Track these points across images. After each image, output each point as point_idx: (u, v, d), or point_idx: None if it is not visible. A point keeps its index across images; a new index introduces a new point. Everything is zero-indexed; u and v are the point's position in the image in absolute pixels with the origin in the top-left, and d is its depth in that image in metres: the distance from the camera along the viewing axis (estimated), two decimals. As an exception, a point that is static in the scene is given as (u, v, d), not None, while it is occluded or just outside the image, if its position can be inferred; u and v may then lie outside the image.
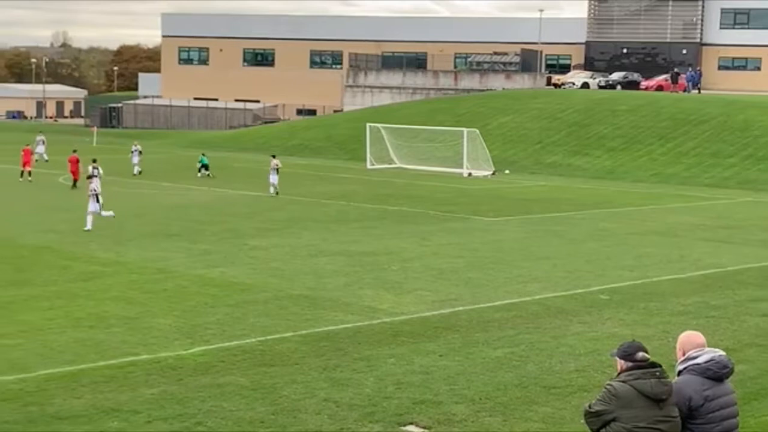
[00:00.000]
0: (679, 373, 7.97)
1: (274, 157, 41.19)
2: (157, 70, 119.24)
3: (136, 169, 48.81)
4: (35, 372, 13.54)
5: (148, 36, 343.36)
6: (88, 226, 27.99)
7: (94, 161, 36.38)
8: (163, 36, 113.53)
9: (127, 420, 11.71)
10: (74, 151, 43.78)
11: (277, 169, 39.57)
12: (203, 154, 50.68)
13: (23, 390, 12.75)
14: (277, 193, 39.07)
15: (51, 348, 14.92)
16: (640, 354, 7.70)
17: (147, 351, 14.77)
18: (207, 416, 11.85)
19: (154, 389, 12.86)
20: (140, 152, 49.97)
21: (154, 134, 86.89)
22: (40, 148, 57.05)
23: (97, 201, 28.62)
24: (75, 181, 41.51)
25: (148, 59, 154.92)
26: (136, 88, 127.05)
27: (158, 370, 13.77)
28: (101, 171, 35.24)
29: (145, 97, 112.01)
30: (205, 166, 48.64)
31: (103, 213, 28.84)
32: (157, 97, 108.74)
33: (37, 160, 54.26)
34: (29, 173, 44.95)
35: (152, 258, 23.50)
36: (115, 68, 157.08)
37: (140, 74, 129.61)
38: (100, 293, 19.13)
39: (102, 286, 19.95)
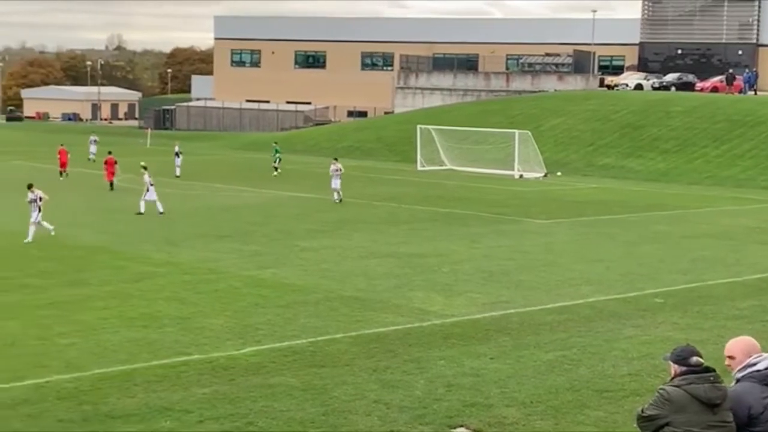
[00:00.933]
0: (738, 380, 7.82)
1: (336, 160, 39.02)
2: (210, 73, 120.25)
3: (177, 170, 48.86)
4: (90, 371, 13.71)
5: (201, 38, 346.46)
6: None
7: (144, 168, 34.40)
8: (216, 38, 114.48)
9: (179, 419, 11.81)
10: (109, 152, 43.98)
11: (340, 174, 37.49)
12: (275, 144, 52.70)
13: (78, 389, 12.92)
14: (340, 200, 37.05)
15: (105, 347, 15.11)
16: (694, 358, 7.60)
17: (199, 351, 14.89)
18: (258, 416, 11.91)
19: (206, 389, 12.96)
20: (178, 154, 49.83)
21: (206, 136, 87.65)
22: (93, 148, 58.17)
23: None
24: (110, 183, 41.65)
25: (201, 61, 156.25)
26: (189, 91, 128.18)
27: (210, 369, 13.87)
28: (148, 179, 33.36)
29: (198, 99, 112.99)
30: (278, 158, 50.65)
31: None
32: (210, 99, 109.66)
33: (89, 159, 55.26)
34: (66, 173, 46.88)
35: (204, 258, 23.70)
36: (169, 70, 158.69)
37: (193, 76, 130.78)
38: (153, 293, 19.33)
39: (155, 286, 20.16)
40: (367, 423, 11.76)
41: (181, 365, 14.06)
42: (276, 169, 50.45)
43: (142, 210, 32.33)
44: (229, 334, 15.99)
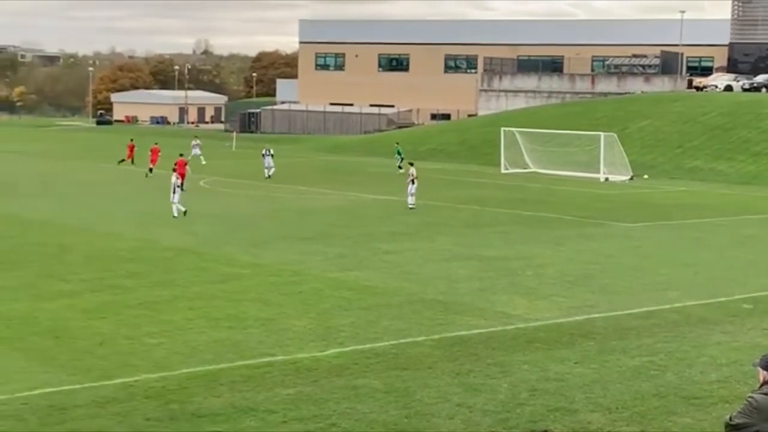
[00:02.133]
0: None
1: (411, 164, 37.74)
2: (295, 76, 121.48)
3: (266, 172, 48.96)
4: (177, 370, 13.95)
5: (286, 42, 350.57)
6: None
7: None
8: (301, 42, 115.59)
9: (263, 419, 11.94)
10: (181, 155, 44.03)
11: (414, 180, 36.03)
12: (397, 144, 55.62)
13: (165, 388, 13.16)
14: (411, 208, 35.59)
15: (192, 347, 15.36)
16: (785, 366, 7.44)
17: (283, 352, 15.04)
18: (341, 418, 11.98)
19: (290, 389, 13.08)
20: (272, 155, 50.17)
21: (290, 139, 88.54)
22: (196, 151, 58.74)
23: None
24: (183, 182, 41.49)
25: (285, 65, 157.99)
26: (274, 94, 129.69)
27: (294, 371, 14.00)
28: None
29: (283, 102, 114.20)
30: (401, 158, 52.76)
31: None
32: (294, 102, 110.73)
33: (202, 164, 55.92)
34: (150, 170, 48.83)
35: (288, 261, 23.92)
36: (254, 74, 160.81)
37: (278, 80, 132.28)
38: (238, 294, 19.59)
39: (240, 287, 20.42)
40: (449, 426, 11.75)
41: (265, 366, 14.22)
42: (400, 168, 52.39)
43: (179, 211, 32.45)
44: (313, 336, 16.12)
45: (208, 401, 12.61)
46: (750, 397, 7.44)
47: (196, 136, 66.44)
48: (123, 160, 54.24)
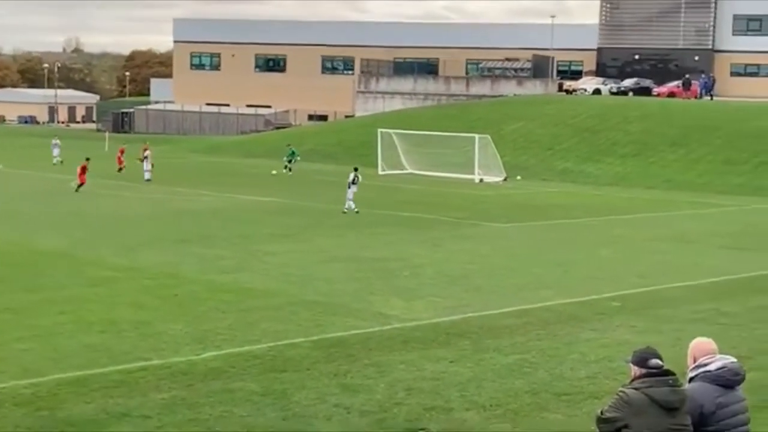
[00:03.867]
0: (691, 380, 7.97)
1: (355, 170, 36.85)
2: (169, 76, 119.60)
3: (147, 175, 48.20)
4: (47, 376, 13.56)
5: (161, 41, 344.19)
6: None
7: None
8: (175, 41, 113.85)
9: (137, 425, 11.72)
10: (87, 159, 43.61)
11: (354, 182, 35.68)
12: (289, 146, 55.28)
13: (35, 395, 12.77)
14: (357, 212, 35.02)
15: (62, 352, 14.95)
16: (654, 361, 7.67)
17: (158, 356, 14.79)
18: (217, 422, 11.85)
19: (164, 394, 12.87)
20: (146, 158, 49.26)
21: (165, 139, 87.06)
22: (56, 151, 57.69)
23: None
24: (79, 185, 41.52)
25: (160, 64, 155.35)
26: (148, 93, 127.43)
27: (169, 375, 13.78)
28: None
29: (157, 102, 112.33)
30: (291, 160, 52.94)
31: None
32: (169, 102, 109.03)
33: (54, 164, 54.79)
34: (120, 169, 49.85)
35: (164, 263, 23.54)
36: (127, 73, 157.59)
37: (152, 79, 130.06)
38: (111, 298, 19.16)
39: (113, 291, 19.98)
40: (327, 427, 11.75)
41: (139, 371, 13.95)
42: (289, 169, 53.23)
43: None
44: (189, 339, 15.89)
45: (80, 407, 12.30)
46: (621, 391, 7.64)
47: (56, 136, 65.10)
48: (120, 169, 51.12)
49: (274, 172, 52.44)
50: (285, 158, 55.44)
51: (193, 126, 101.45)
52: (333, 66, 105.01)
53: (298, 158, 55.54)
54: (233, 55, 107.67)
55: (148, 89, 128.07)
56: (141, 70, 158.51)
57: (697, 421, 7.70)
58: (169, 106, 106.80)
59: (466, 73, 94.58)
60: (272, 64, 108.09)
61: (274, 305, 18.80)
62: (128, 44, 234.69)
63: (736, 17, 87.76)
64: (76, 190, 40.91)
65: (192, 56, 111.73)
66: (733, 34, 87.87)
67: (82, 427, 11.63)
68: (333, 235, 29.48)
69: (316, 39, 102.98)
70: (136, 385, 13.28)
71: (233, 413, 12.15)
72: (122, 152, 52.99)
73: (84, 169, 42.12)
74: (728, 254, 27.44)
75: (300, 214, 35.00)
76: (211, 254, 25.12)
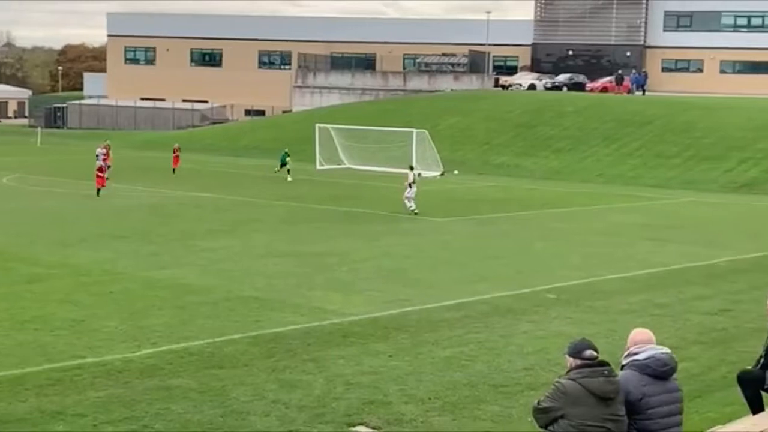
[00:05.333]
0: (622, 367, 8.14)
1: (411, 168, 35.84)
2: (103, 70, 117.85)
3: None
4: (-21, 376, 13.33)
5: (94, 35, 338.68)
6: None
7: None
8: (109, 35, 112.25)
9: (72, 424, 11.58)
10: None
11: (411, 184, 34.35)
12: (285, 151, 51.35)
13: (-33, 394, 12.55)
14: (416, 213, 33.82)
15: (-5, 352, 14.70)
16: (588, 352, 7.80)
17: (93, 354, 14.62)
18: (154, 419, 11.76)
19: (100, 392, 12.73)
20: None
21: (99, 135, 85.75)
22: None
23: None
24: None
25: (93, 59, 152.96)
26: (81, 88, 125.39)
27: (105, 373, 13.63)
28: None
29: (91, 97, 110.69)
30: (284, 164, 49.50)
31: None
32: (103, 97, 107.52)
33: None
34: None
35: (99, 260, 23.26)
36: (60, 68, 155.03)
37: (85, 74, 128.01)
38: (45, 295, 18.89)
39: (47, 288, 19.70)
40: (265, 423, 11.73)
41: (74, 369, 13.78)
42: (288, 171, 49.18)
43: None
44: (124, 337, 15.73)
45: (13, 406, 12.11)
46: (557, 381, 7.76)
47: None
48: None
49: (289, 179, 48.21)
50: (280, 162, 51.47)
51: (128, 121, 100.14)
52: (270, 61, 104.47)
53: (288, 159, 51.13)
54: (168, 50, 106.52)
55: (82, 84, 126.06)
56: (74, 65, 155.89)
57: (626, 409, 7.86)
58: (102, 101, 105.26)
59: (404, 68, 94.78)
60: (208, 59, 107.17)
61: (211, 301, 18.70)
62: (61, 38, 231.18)
63: (667, 14, 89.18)
64: (97, 195, 37.98)
65: (126, 50, 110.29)
66: (664, 31, 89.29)
67: (17, 426, 11.46)
68: (270, 231, 29.38)
69: (252, 33, 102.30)
70: (71, 383, 13.12)
71: (170, 410, 12.06)
72: (176, 152, 51.01)
73: (101, 171, 39.08)
74: (660, 246, 27.91)
75: (237, 209, 34.81)
76: (147, 250, 24.88)
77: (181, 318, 17.17)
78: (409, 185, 34.61)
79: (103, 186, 38.52)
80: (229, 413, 12.02)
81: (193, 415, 11.94)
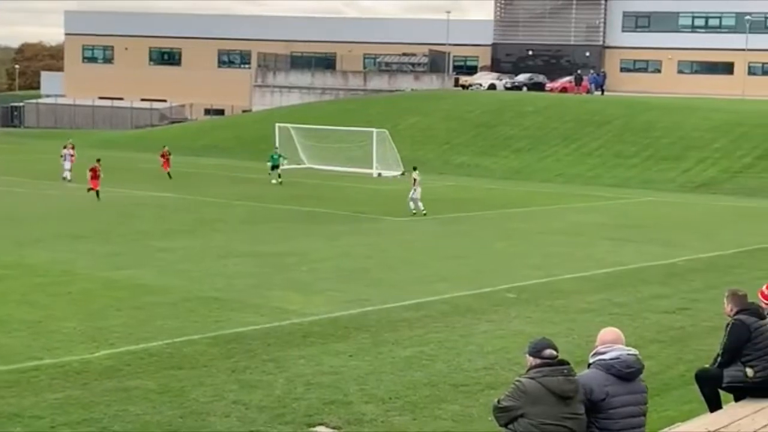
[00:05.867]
0: (589, 365, 8.17)
1: (415, 169, 35.56)
2: (61, 69, 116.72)
3: (68, 175, 45.23)
4: (-67, 379, 13.14)
5: (51, 34, 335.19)
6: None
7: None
8: (67, 34, 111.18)
9: (30, 425, 11.45)
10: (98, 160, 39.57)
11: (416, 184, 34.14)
12: (276, 151, 49.23)
13: None
14: (424, 214, 33.76)
15: (-50, 354, 14.50)
16: (548, 351, 7.84)
17: (51, 355, 14.46)
18: (113, 421, 11.66)
19: (58, 394, 12.60)
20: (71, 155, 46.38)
21: (57, 134, 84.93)
22: None
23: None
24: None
25: (51, 57, 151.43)
26: (38, 87, 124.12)
27: (62, 374, 13.49)
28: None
29: (48, 96, 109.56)
30: (276, 166, 47.01)
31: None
32: (61, 96, 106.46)
33: None
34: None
35: (57, 260, 23.02)
36: (17, 66, 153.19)
37: (43, 73, 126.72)
38: (1, 296, 18.64)
39: (3, 288, 19.45)
40: (225, 424, 11.67)
41: (31, 370, 13.62)
42: (278, 175, 46.73)
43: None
44: (83, 338, 15.58)
45: (-31, 410, 11.95)
46: (517, 380, 7.79)
47: None
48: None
49: (276, 181, 46.10)
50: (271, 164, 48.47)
51: (86, 120, 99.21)
52: (230, 60, 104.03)
53: (285, 161, 49.79)
54: (127, 48, 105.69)
55: (39, 83, 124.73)
56: (31, 63, 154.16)
57: (588, 407, 7.91)
58: (60, 100, 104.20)
59: (364, 67, 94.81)
60: (167, 58, 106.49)
61: (170, 302, 18.56)
62: (18, 37, 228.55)
63: (625, 14, 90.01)
64: (98, 198, 36.46)
65: (84, 49, 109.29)
66: (623, 31, 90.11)
67: (-28, 430, 11.31)
68: (230, 231, 29.24)
69: (212, 32, 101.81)
70: (28, 384, 12.97)
71: (129, 412, 11.96)
72: (164, 156, 48.39)
73: (95, 172, 37.47)
74: (618, 246, 28.14)
75: (196, 209, 34.61)
76: (105, 251, 24.66)
77: (140, 318, 17.03)
78: (414, 186, 34.26)
79: (96, 187, 36.96)
80: (188, 414, 11.95)
81: (152, 416, 11.85)
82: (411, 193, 34.53)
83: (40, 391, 12.73)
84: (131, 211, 33.73)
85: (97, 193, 36.94)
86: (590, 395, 7.90)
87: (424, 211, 33.95)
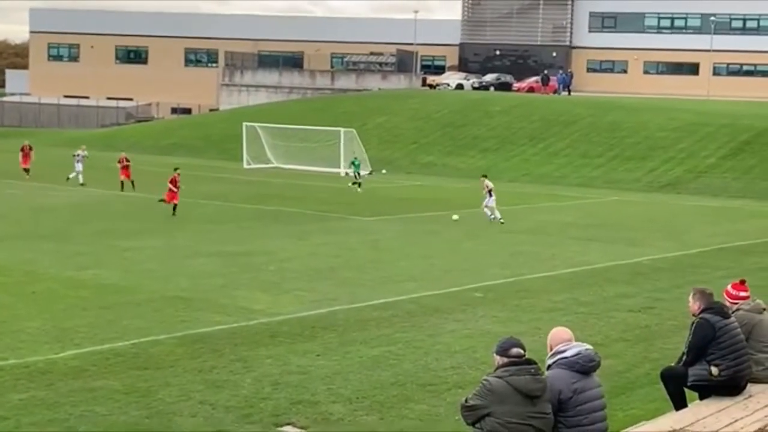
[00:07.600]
0: (549, 367, 8.21)
1: (485, 176, 34.35)
2: (25, 67, 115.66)
3: (80, 178, 43.22)
4: None
5: (16, 31, 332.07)
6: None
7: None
8: (31, 32, 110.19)
9: (-6, 427, 11.34)
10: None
11: (490, 191, 32.93)
12: (355, 159, 47.60)
13: None
14: (502, 222, 32.40)
15: None
16: (515, 350, 7.88)
17: (15, 356, 14.33)
18: (79, 421, 11.57)
19: (22, 394, 12.49)
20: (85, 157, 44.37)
21: (21, 133, 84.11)
22: None
23: None
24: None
25: (15, 55, 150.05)
26: (3, 86, 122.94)
27: (27, 374, 13.38)
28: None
29: (13, 94, 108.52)
30: (358, 173, 45.67)
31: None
32: (26, 94, 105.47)
33: None
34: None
35: (20, 260, 22.80)
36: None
37: (7, 71, 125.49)
38: (-36, 297, 18.46)
39: (-33, 289, 19.25)
40: (192, 424, 11.62)
41: (-5, 371, 13.50)
42: (359, 185, 44.73)
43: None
44: (47, 338, 15.45)
45: (-68, 411, 11.81)
46: (485, 379, 7.82)
47: None
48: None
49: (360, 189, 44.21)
50: (353, 171, 46.86)
51: (51, 119, 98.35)
52: (197, 58, 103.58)
53: (361, 169, 47.56)
54: (93, 47, 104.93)
55: (3, 81, 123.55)
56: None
57: (556, 407, 7.96)
58: (25, 99, 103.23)
59: (331, 67, 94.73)
60: (133, 56, 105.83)
61: (135, 301, 18.45)
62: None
63: (592, 14, 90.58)
64: (174, 214, 32.44)
65: (50, 47, 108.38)
66: (589, 31, 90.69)
67: (-66, 432, 11.18)
68: (196, 230, 29.10)
69: (179, 31, 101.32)
70: (-9, 386, 12.84)
71: (95, 412, 11.88)
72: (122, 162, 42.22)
73: (174, 183, 33.12)
74: (584, 245, 28.30)
75: (162, 208, 34.38)
76: (69, 250, 24.46)
77: (105, 318, 16.91)
78: (489, 193, 33.01)
79: (174, 200, 32.79)
80: (154, 414, 11.88)
81: (118, 416, 11.78)
82: (485, 201, 33.18)
83: (5, 391, 12.61)
84: (95, 211, 33.47)
85: (174, 207, 32.58)
86: (560, 395, 7.95)
87: (502, 220, 32.37)
